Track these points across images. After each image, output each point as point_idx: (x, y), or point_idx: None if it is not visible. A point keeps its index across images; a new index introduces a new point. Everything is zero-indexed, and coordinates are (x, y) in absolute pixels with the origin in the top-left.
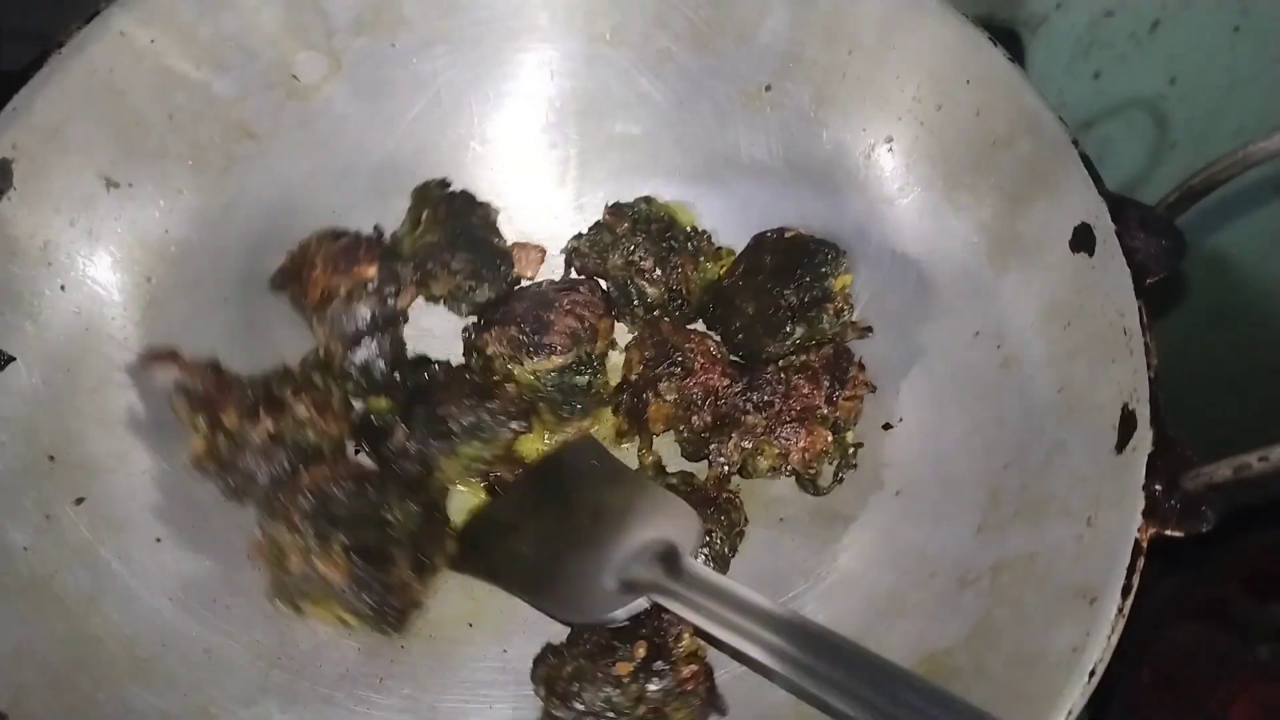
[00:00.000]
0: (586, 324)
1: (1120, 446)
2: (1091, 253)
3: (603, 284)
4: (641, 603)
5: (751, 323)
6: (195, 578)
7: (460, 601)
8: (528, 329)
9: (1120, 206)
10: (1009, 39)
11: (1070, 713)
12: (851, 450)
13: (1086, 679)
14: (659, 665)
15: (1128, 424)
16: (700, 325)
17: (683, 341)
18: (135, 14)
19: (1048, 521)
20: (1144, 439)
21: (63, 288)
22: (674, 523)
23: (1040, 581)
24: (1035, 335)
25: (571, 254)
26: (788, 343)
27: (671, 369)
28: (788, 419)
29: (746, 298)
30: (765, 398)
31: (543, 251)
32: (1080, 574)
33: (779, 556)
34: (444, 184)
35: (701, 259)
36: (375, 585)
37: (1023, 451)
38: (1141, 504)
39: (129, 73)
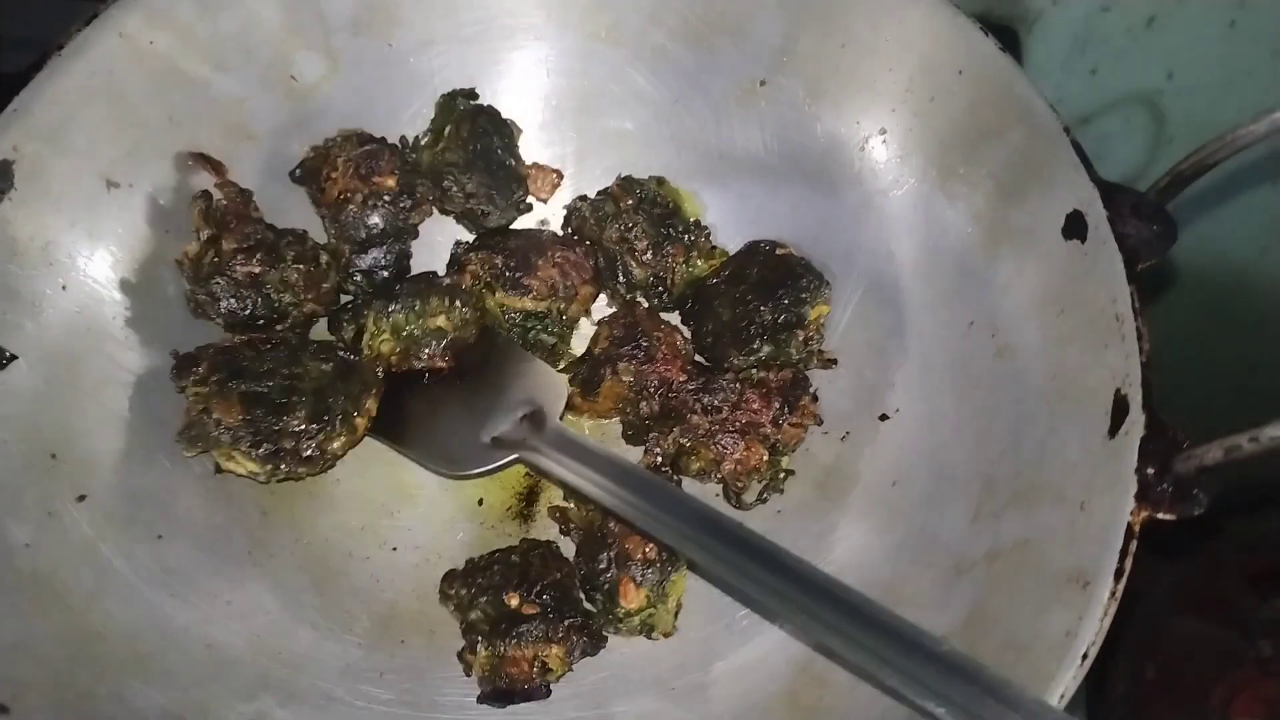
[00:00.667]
0: (569, 282)
1: (1113, 432)
2: (1084, 240)
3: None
4: (510, 457)
5: (723, 329)
6: (196, 574)
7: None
8: (512, 263)
9: (1112, 193)
10: (1006, 35)
11: (1063, 696)
12: (782, 475)
13: (1079, 662)
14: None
15: (1120, 409)
16: (676, 318)
17: (653, 329)
18: (135, 16)
19: (1041, 508)
20: (1136, 423)
21: (64, 287)
22: (541, 387)
23: (1034, 567)
24: (1029, 323)
25: (572, 213)
26: (752, 358)
27: (635, 351)
28: (731, 429)
29: (725, 304)
30: (715, 403)
31: (560, 175)
32: (1073, 559)
33: None
34: (471, 95)
35: (694, 254)
36: (267, 430)
37: (1016, 439)
38: (1134, 488)
39: (129, 74)
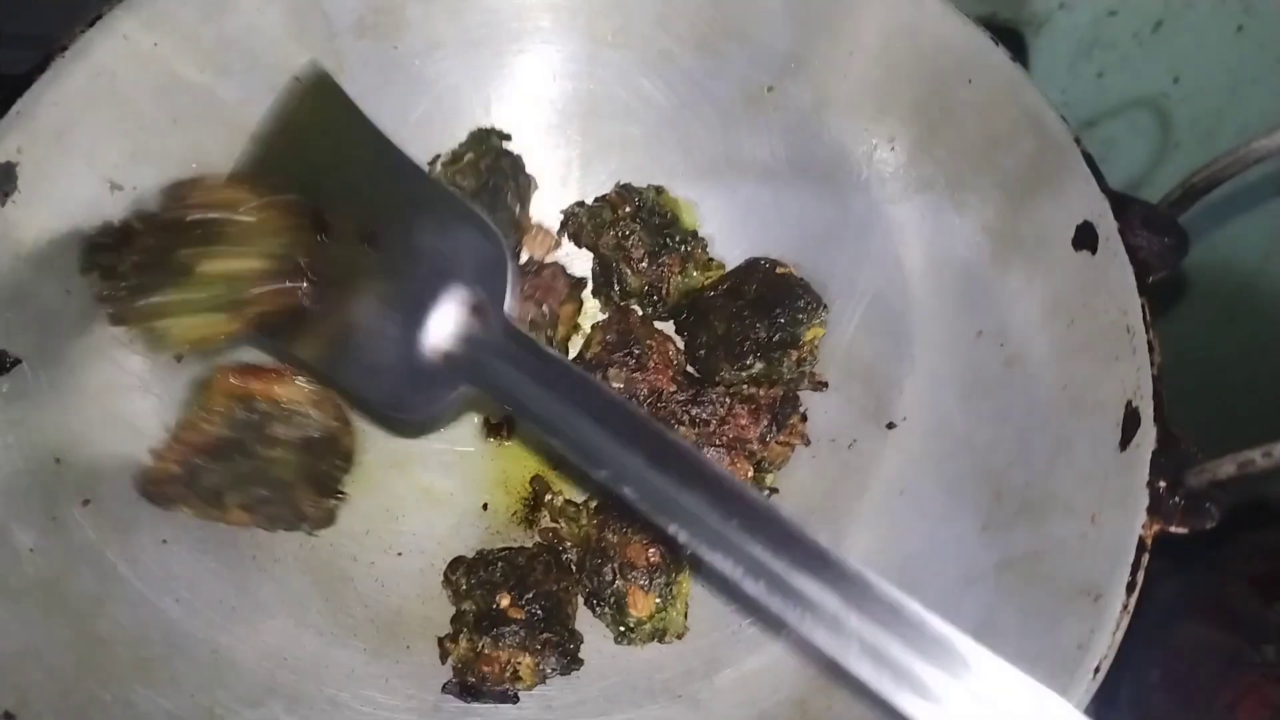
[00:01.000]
0: (545, 309)
1: (1124, 444)
2: (1094, 251)
3: (589, 261)
4: (462, 388)
5: (717, 343)
6: (201, 579)
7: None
8: None
9: (1123, 204)
10: (1012, 39)
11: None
12: (766, 494)
13: (1091, 676)
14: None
15: (1131, 421)
16: (670, 327)
17: (646, 336)
18: (138, 17)
19: (1051, 520)
20: (1147, 436)
21: (67, 291)
22: (475, 254)
23: (1044, 580)
24: (1038, 334)
25: (569, 219)
26: (744, 374)
27: (626, 358)
28: (717, 442)
29: (721, 317)
30: (704, 415)
31: (558, 241)
32: (1084, 572)
33: None
34: (504, 137)
35: (690, 265)
36: (286, 514)
37: (1026, 450)
38: (1145, 501)
39: (132, 76)
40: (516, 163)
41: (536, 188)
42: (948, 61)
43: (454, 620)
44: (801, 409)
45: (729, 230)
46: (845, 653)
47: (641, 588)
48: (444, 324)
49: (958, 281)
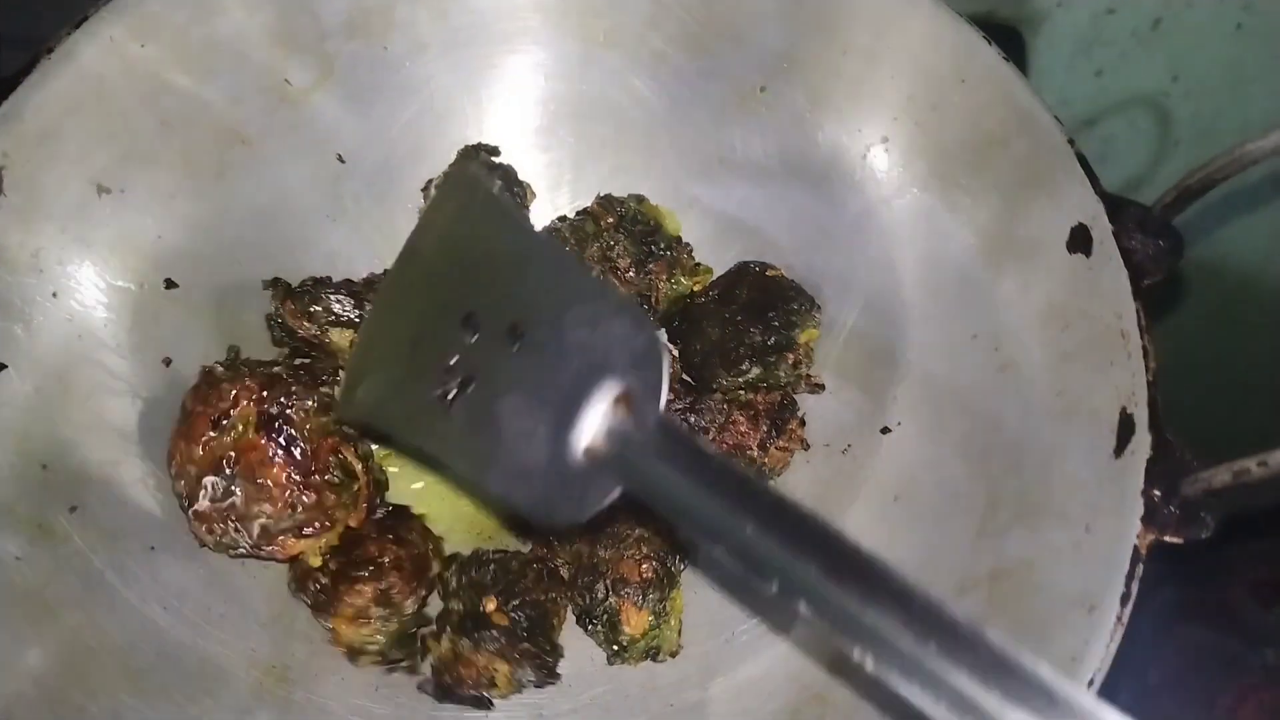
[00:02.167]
0: None
1: (1119, 451)
2: (1089, 254)
3: None
4: (614, 491)
5: (712, 350)
6: (190, 586)
7: None
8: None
9: (1118, 207)
10: (1010, 37)
11: None
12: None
13: (1085, 688)
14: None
15: (1126, 428)
16: (662, 336)
17: None
18: (126, 19)
19: (1046, 527)
20: (1142, 443)
21: (54, 295)
22: (624, 344)
23: (1038, 589)
24: (1033, 338)
25: (551, 234)
26: (740, 380)
27: None
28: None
29: (713, 324)
30: (703, 423)
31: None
32: (1079, 581)
33: None
34: (493, 151)
35: (676, 271)
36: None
37: (1020, 456)
38: (1140, 510)
39: (120, 78)
40: (509, 174)
41: (534, 196)
42: (941, 61)
43: (439, 618)
44: (800, 413)
45: (722, 232)
46: None
47: (635, 604)
48: (594, 421)
49: (952, 285)
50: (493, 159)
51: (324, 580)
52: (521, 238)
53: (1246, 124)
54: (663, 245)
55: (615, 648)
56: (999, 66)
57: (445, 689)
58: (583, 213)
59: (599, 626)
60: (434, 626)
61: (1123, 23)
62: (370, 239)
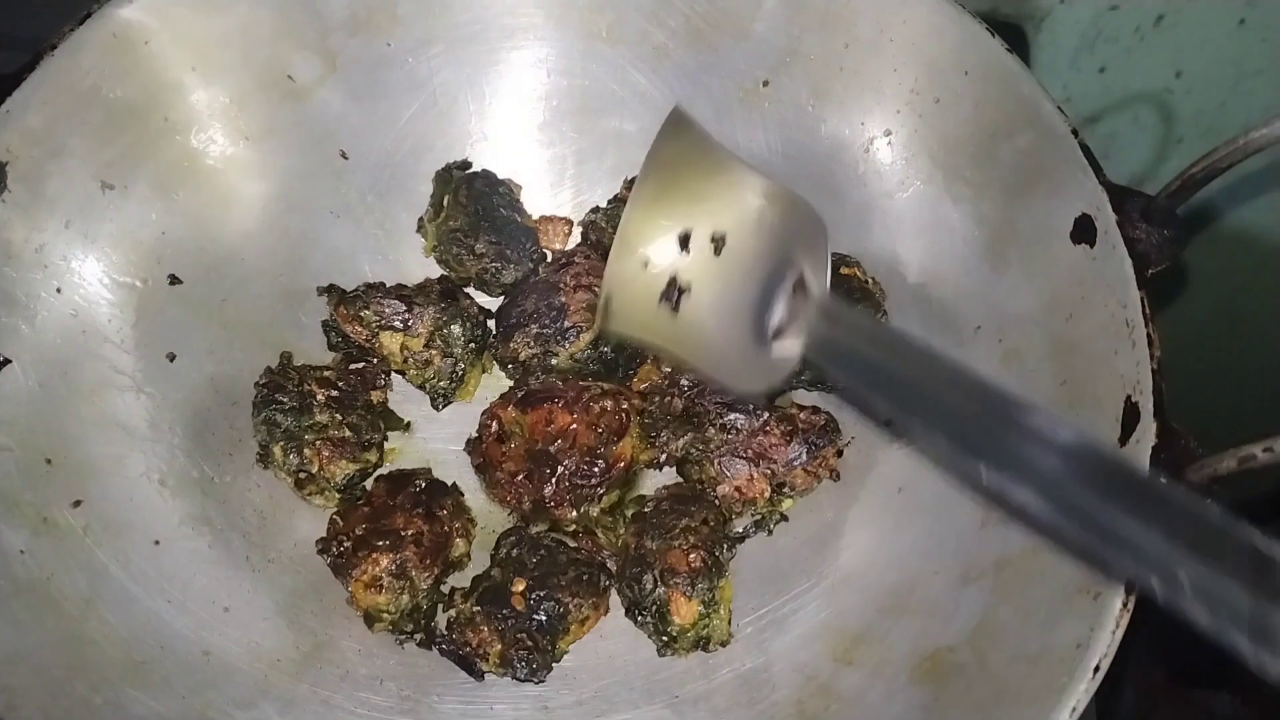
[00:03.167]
0: (598, 289)
1: (1124, 440)
2: (1093, 244)
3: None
4: (795, 355)
5: None
6: (194, 580)
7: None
8: (547, 321)
9: (1121, 197)
10: (1013, 34)
11: (1075, 710)
12: (776, 518)
13: (1091, 675)
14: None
15: (1130, 416)
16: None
17: None
18: (129, 16)
19: None
20: (1147, 431)
21: (58, 290)
22: (800, 235)
23: (1044, 577)
24: (1036, 328)
25: (589, 227)
26: (794, 379)
27: None
28: (741, 454)
29: None
30: (737, 423)
31: (570, 223)
32: (1084, 569)
33: (781, 556)
34: (464, 165)
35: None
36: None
37: None
38: None
39: (123, 75)
40: (488, 177)
41: (520, 187)
42: (943, 53)
43: (476, 578)
44: (842, 443)
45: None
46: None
47: (684, 594)
48: (781, 307)
49: (956, 276)
50: (465, 170)
51: (347, 544)
52: (722, 162)
53: (1250, 118)
54: None
55: (665, 638)
56: (1002, 58)
57: (447, 644)
58: (615, 200)
59: (648, 618)
60: (468, 586)
61: (1125, 19)
62: (373, 235)
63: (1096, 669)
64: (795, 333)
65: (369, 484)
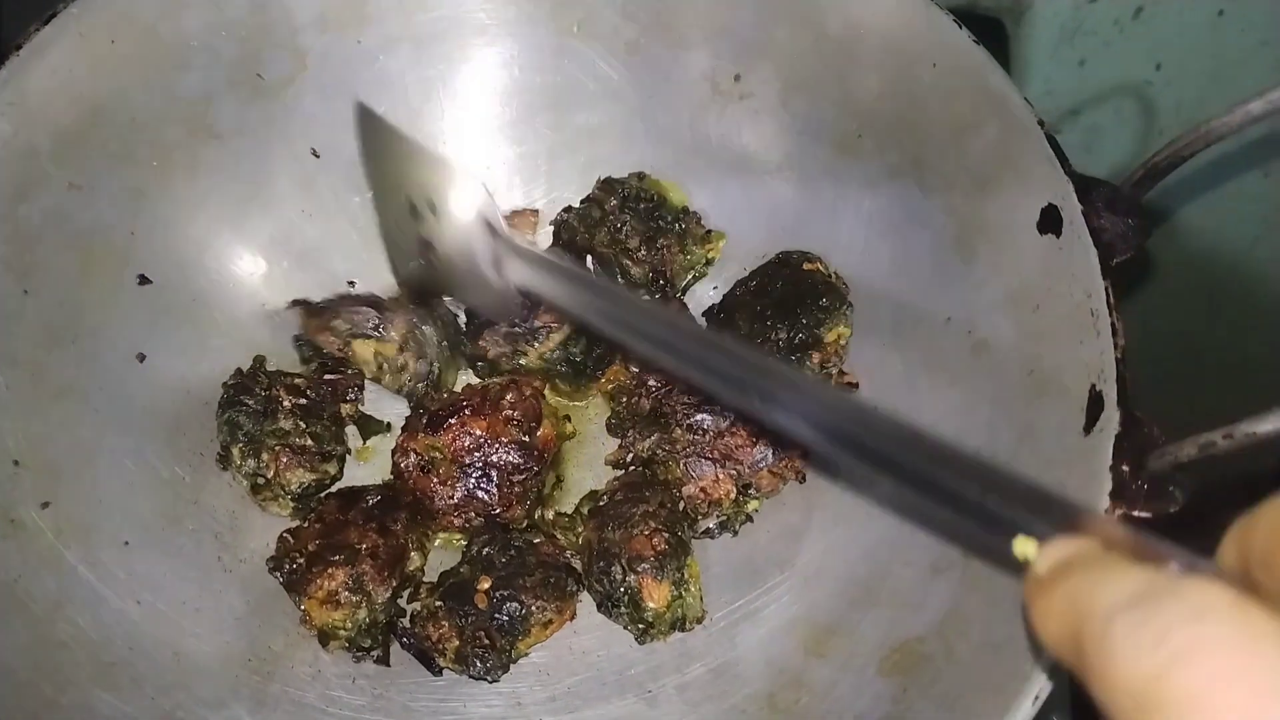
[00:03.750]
0: None
1: (1088, 428)
2: (1059, 234)
3: (589, 259)
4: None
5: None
6: (164, 580)
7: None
8: (517, 320)
9: (1086, 186)
10: (993, 27)
11: (1037, 698)
12: (741, 519)
13: (1054, 663)
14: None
15: (1095, 405)
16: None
17: None
18: (95, 15)
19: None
20: (1111, 420)
21: (25, 292)
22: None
23: (1010, 566)
24: (1004, 318)
25: (560, 227)
26: None
27: None
28: (707, 454)
29: (745, 317)
30: (705, 423)
31: (536, 213)
32: None
33: (753, 549)
34: None
35: (688, 242)
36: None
37: (993, 436)
38: (1109, 486)
39: (90, 74)
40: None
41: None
42: (912, 46)
43: (443, 574)
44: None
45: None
46: None
47: (654, 578)
48: (489, 254)
49: (926, 268)
50: None
51: (300, 561)
52: (406, 143)
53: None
54: (669, 218)
55: (642, 625)
56: (970, 50)
57: (407, 636)
58: (586, 200)
59: (622, 609)
60: (436, 580)
61: (1105, 11)
62: (346, 233)
63: None
64: (508, 268)
65: (319, 501)
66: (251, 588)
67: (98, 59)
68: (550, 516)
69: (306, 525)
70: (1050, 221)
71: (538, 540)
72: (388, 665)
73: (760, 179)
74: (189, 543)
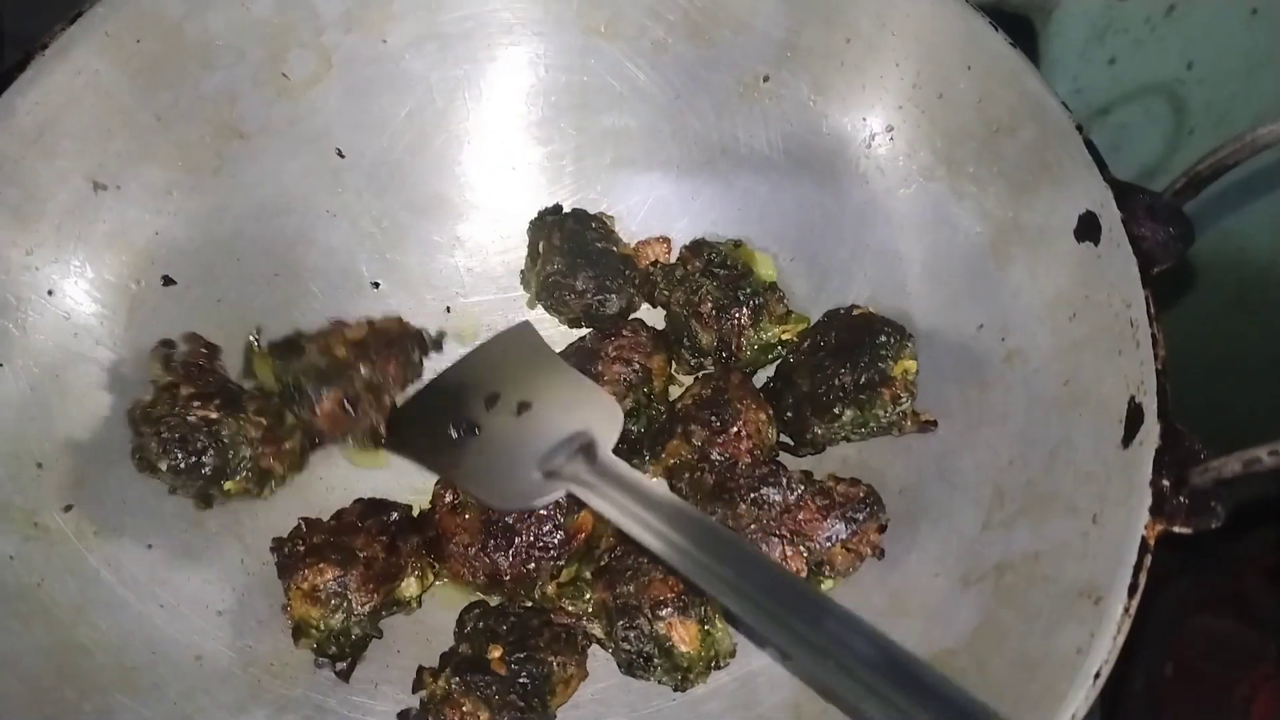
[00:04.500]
0: (636, 365)
1: (1127, 441)
2: (1097, 242)
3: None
4: (560, 491)
5: (803, 399)
6: (187, 584)
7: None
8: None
9: (1126, 194)
10: (1022, 26)
11: (1074, 716)
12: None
13: (1091, 681)
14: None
15: (1134, 417)
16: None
17: (738, 400)
18: (121, 14)
19: (1053, 519)
20: (1151, 433)
21: (49, 293)
22: (596, 415)
23: (1045, 581)
24: (1040, 327)
25: (645, 282)
26: (835, 425)
27: (711, 419)
28: (774, 531)
29: (803, 373)
30: (769, 498)
31: (668, 241)
32: (1086, 573)
33: None
34: (555, 210)
35: (763, 318)
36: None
37: (1027, 447)
38: (1148, 500)
39: (115, 74)
40: (579, 215)
41: (612, 218)
42: (946, 48)
43: (444, 656)
44: (883, 519)
45: (725, 223)
46: None
47: (681, 618)
48: (561, 458)
49: (959, 274)
50: (557, 214)
51: (300, 548)
52: (546, 356)
53: (1263, 110)
54: (749, 290)
55: (679, 674)
56: (1006, 52)
57: None
58: (679, 263)
59: (655, 661)
60: (436, 664)
61: (1136, 10)
62: (370, 233)
63: (1097, 675)
64: (568, 477)
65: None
66: (274, 591)
67: (123, 58)
68: (551, 591)
69: (325, 520)
70: (1088, 228)
71: (527, 605)
72: (346, 682)
73: (788, 181)
74: (211, 545)
